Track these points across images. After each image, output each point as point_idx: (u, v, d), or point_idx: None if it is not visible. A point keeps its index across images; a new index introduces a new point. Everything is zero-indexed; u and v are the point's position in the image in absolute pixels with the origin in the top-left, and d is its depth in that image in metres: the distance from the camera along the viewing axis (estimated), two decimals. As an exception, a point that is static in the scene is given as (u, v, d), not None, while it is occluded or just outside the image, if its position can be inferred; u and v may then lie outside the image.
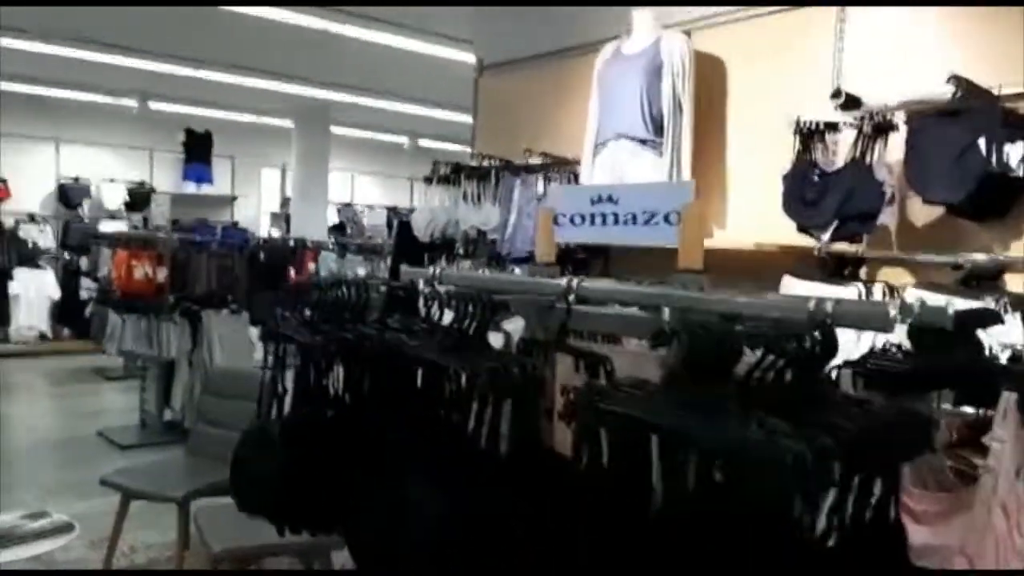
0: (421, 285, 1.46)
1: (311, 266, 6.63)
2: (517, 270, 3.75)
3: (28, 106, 9.83)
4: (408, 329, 1.42)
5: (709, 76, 3.42)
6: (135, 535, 3.74)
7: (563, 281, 1.38)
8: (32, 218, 9.47)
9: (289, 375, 1.56)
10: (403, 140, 12.08)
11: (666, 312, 1.18)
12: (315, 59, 7.89)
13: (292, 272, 6.23)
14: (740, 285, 1.44)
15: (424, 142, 11.77)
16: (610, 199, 1.44)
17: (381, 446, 1.40)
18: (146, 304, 5.76)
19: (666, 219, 1.36)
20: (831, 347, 0.97)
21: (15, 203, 9.62)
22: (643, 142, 3.37)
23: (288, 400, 1.54)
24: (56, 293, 8.45)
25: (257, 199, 12.33)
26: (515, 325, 1.43)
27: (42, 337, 8.56)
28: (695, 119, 3.34)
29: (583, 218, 1.47)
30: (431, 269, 1.53)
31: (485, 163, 4.15)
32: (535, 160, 3.94)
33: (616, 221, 1.43)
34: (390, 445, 1.38)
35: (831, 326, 0.99)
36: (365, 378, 1.39)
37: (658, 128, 3.35)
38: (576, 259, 3.24)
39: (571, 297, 1.34)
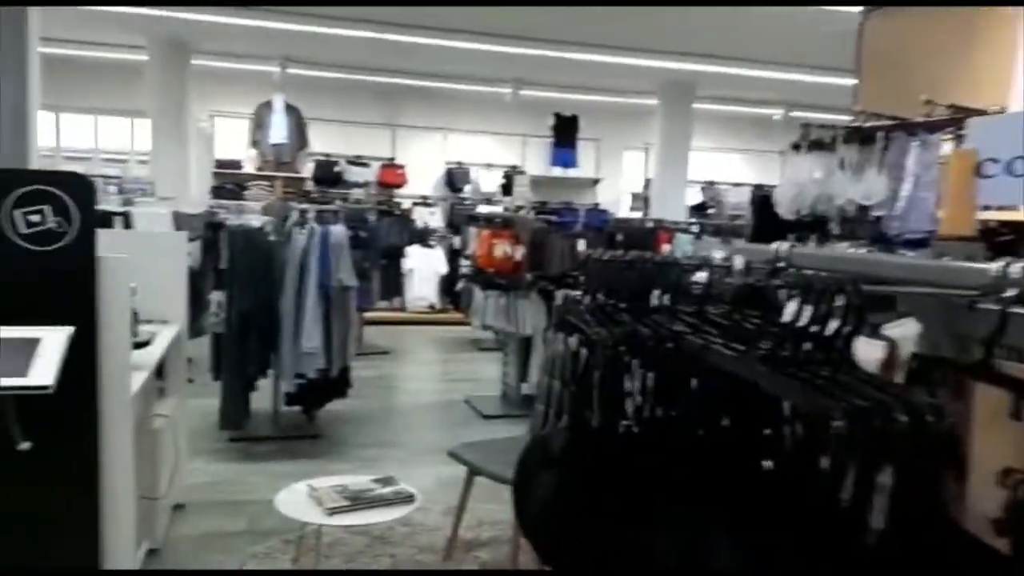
0: (738, 264, 1.00)
1: (665, 248, 6.32)
2: (910, 255, 3.01)
3: (420, 99, 11.11)
4: (734, 326, 1.00)
5: None
6: (485, 508, 3.76)
7: (992, 267, 0.84)
8: (424, 201, 10.64)
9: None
10: (774, 112, 11.22)
11: None
12: (681, 29, 7.56)
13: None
14: None
15: (797, 113, 10.77)
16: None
17: (676, 475, 1.02)
18: (505, 281, 5.97)
19: None
20: None
21: (410, 187, 10.95)
22: (1111, 77, 2.43)
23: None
24: (443, 269, 9.33)
25: (619, 181, 12.44)
26: (904, 331, 0.91)
27: (432, 308, 9.53)
28: None
29: (1033, 164, 0.89)
30: (774, 246, 1.07)
31: (870, 123, 3.42)
32: (939, 114, 3.12)
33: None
34: (688, 476, 0.99)
35: None
36: (663, 387, 1.00)
37: None
38: (996, 241, 2.40)
39: (1008, 293, 0.79)
